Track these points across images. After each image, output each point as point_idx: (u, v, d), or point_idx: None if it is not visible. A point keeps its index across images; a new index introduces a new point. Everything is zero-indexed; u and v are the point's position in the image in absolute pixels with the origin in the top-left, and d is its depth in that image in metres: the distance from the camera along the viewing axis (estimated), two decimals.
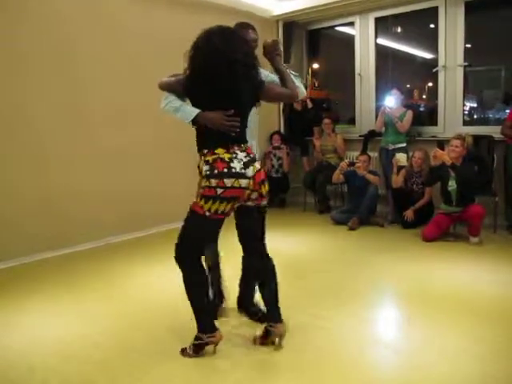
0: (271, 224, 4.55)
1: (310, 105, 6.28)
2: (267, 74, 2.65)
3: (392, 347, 2.45)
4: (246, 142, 2.33)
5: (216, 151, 2.21)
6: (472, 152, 4.62)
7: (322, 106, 6.93)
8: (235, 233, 2.47)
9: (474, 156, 4.59)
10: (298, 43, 6.54)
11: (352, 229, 4.92)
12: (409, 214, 4.86)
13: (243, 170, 2.22)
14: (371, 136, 5.81)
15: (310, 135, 6.26)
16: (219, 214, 2.23)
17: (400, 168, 5.03)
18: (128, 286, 3.46)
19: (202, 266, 2.37)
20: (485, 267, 3.69)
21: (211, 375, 2.23)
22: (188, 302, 2.32)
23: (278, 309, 2.45)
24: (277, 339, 2.43)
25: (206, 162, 2.21)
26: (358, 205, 5.09)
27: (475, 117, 5.75)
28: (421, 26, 5.94)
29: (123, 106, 4.69)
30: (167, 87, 2.34)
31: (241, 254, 2.53)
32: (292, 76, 2.47)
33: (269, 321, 2.45)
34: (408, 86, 6.21)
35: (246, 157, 2.25)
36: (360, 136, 5.97)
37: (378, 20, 5.91)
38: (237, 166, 2.20)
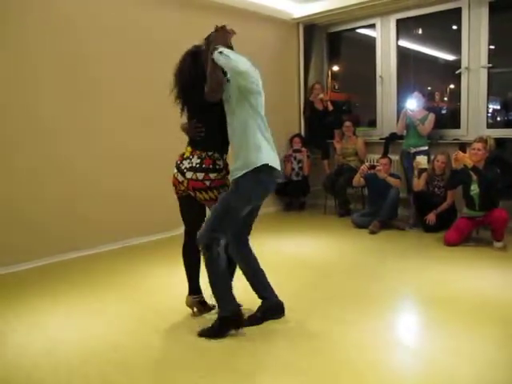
0: (291, 226, 4.58)
1: (330, 107, 6.26)
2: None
3: (413, 351, 2.43)
4: (207, 149, 2.66)
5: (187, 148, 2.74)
6: (495, 155, 4.54)
7: (342, 108, 6.90)
8: None
9: (497, 159, 4.51)
10: (318, 46, 6.54)
11: (373, 232, 4.88)
12: (431, 217, 4.80)
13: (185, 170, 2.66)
14: (392, 139, 5.76)
15: (331, 138, 6.24)
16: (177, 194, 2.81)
17: (421, 171, 4.98)
18: (150, 287, 3.50)
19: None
20: (508, 272, 3.62)
21: (237, 379, 2.24)
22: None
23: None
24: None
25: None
26: (378, 208, 5.05)
27: (499, 119, 5.65)
28: (443, 27, 5.87)
29: (146, 109, 4.75)
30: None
31: None
32: (217, 55, 2.48)
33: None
34: (430, 88, 6.14)
35: (197, 163, 2.65)
36: (381, 139, 5.93)
37: (399, 22, 5.86)
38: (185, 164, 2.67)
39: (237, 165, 2.57)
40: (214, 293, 2.62)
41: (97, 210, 4.44)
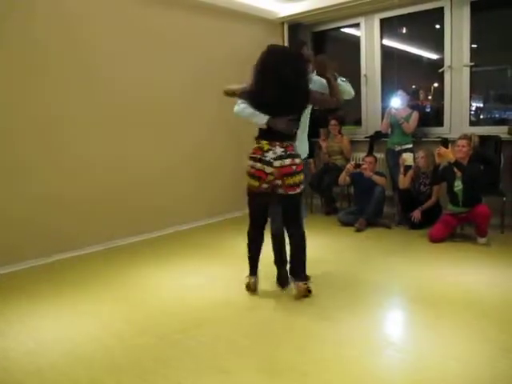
0: None
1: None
2: (316, 79, 3.13)
3: (400, 348, 2.45)
4: (293, 140, 2.98)
5: (261, 141, 2.95)
6: (478, 152, 4.60)
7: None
8: None
9: (480, 156, 4.57)
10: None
11: (359, 230, 4.92)
12: (416, 214, 4.85)
13: (272, 160, 2.90)
14: (377, 137, 5.81)
15: (317, 137, 6.26)
16: (252, 189, 3.02)
17: (407, 168, 5.02)
18: (137, 287, 3.48)
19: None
20: (493, 268, 3.68)
21: (224, 379, 2.24)
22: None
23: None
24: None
25: (255, 148, 2.96)
26: (364, 206, 5.09)
27: (481, 117, 5.72)
28: (426, 26, 5.93)
29: (128, 109, 4.74)
30: (238, 95, 3.01)
31: None
32: (340, 81, 3.07)
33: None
34: (414, 86, 6.20)
35: (282, 151, 2.90)
36: (366, 137, 5.97)
37: (383, 21, 5.91)
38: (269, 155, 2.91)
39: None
40: (303, 265, 3.11)
41: (82, 211, 4.40)
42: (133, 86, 4.75)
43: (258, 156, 2.93)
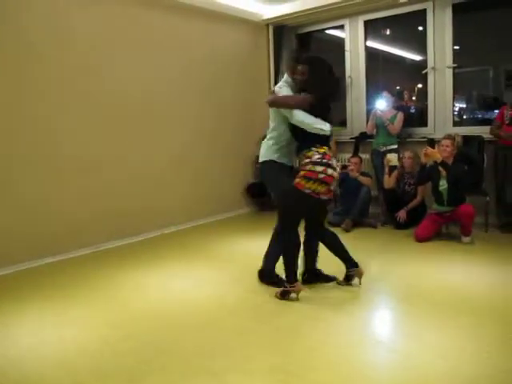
0: (265, 226, 4.56)
1: None
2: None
3: (388, 347, 2.46)
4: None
5: (323, 147, 3.06)
6: (462, 152, 4.66)
7: None
8: None
9: (464, 156, 4.63)
10: (288, 46, 6.57)
11: (346, 231, 4.93)
12: (401, 214, 4.89)
13: (336, 166, 3.09)
14: (362, 138, 5.84)
15: None
16: (314, 194, 3.00)
17: (392, 168, 5.06)
18: (121, 292, 3.44)
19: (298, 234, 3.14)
20: (478, 266, 3.72)
21: (210, 381, 2.22)
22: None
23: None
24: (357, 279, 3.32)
25: (319, 153, 3.00)
26: (350, 206, 5.11)
27: (465, 117, 5.80)
28: (410, 28, 5.99)
29: (115, 111, 4.70)
30: (294, 105, 3.04)
31: None
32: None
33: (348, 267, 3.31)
34: (398, 87, 6.26)
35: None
36: (351, 138, 6.00)
37: (367, 23, 5.95)
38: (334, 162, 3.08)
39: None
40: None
41: (69, 214, 4.35)
42: (121, 86, 4.72)
43: (329, 162, 3.00)
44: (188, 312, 3.02)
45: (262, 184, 6.20)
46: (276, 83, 6.53)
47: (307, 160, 3.01)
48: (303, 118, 3.03)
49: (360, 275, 3.32)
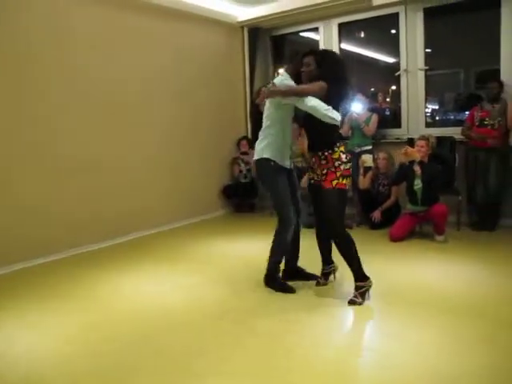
0: (240, 228, 4.60)
1: None
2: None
3: (366, 347, 2.47)
4: None
5: (343, 144, 3.14)
6: (436, 152, 4.75)
7: None
8: None
9: (437, 156, 4.72)
10: (263, 49, 6.60)
11: None
12: (376, 214, 4.94)
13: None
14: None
15: None
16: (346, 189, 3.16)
17: (366, 169, 5.12)
18: (99, 294, 3.38)
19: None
20: (453, 264, 3.79)
21: (191, 382, 2.19)
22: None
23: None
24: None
25: (343, 152, 3.09)
26: None
27: (437, 118, 5.91)
28: (383, 31, 6.08)
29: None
30: (313, 93, 2.97)
31: None
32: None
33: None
34: (372, 89, 6.34)
35: None
36: None
37: (341, 25, 6.02)
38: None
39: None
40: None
41: (46, 217, 4.25)
42: (96, 86, 4.64)
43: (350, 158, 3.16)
44: (164, 314, 2.98)
45: (237, 185, 6.24)
46: (252, 84, 6.55)
47: (338, 162, 3.08)
48: (316, 104, 2.95)
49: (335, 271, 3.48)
